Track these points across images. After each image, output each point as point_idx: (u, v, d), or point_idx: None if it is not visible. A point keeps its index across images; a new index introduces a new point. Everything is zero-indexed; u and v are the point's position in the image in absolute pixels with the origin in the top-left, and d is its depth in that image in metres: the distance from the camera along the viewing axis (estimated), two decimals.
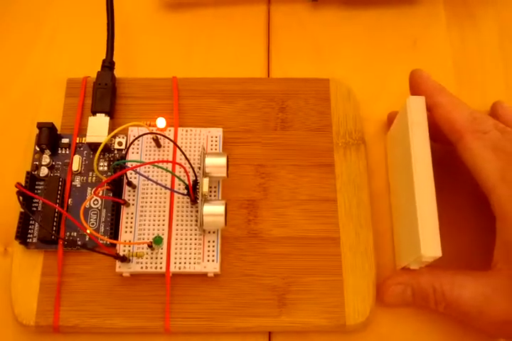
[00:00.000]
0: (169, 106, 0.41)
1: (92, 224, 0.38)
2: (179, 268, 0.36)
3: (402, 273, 0.36)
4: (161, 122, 0.37)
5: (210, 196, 0.38)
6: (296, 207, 0.39)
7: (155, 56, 0.45)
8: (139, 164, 0.36)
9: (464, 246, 0.38)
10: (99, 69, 0.41)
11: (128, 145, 0.39)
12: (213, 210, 0.36)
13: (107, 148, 0.40)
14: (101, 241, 0.36)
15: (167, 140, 0.39)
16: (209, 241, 0.37)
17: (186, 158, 0.36)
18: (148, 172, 0.39)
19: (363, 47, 0.46)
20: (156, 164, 0.36)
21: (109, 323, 0.36)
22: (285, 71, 0.45)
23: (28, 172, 0.38)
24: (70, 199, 0.38)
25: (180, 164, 0.36)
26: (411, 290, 0.36)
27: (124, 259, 0.36)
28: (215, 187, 0.38)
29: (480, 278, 0.34)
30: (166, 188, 0.38)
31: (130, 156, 0.39)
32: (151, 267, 0.36)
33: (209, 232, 0.37)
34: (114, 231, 0.37)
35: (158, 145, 0.39)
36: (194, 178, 0.37)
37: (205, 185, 0.36)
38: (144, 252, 0.36)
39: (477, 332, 0.36)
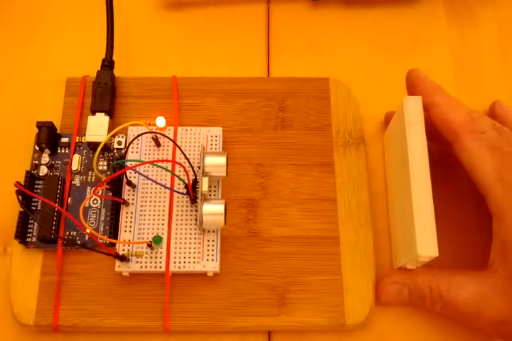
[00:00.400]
0: (169, 106, 0.41)
1: (92, 223, 0.38)
2: (179, 268, 0.36)
3: (399, 273, 0.36)
4: (160, 121, 0.38)
5: (210, 195, 0.38)
6: (295, 207, 0.39)
7: (155, 55, 0.45)
8: (138, 163, 0.36)
9: (460, 246, 0.38)
10: (99, 69, 0.41)
11: (127, 144, 0.39)
12: (213, 209, 0.36)
13: (107, 148, 0.40)
14: (100, 241, 0.36)
15: (167, 139, 0.39)
16: (208, 241, 0.37)
17: (186, 158, 0.36)
18: (148, 171, 0.39)
19: (363, 46, 0.46)
20: (155, 163, 0.36)
21: (109, 323, 0.36)
22: (285, 70, 0.45)
23: (27, 172, 0.38)
24: (69, 199, 0.38)
25: (179, 163, 0.36)
26: (407, 289, 0.36)
27: (124, 259, 0.36)
28: (214, 187, 0.38)
29: (477, 278, 0.34)
30: (165, 187, 0.38)
31: (130, 155, 0.39)
32: (150, 266, 0.36)
33: (208, 231, 0.37)
34: (113, 231, 0.37)
35: (158, 144, 0.39)
36: (194, 177, 0.37)
37: (204, 184, 0.36)
38: (144, 251, 0.36)
39: (475, 332, 0.36)
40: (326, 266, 0.37)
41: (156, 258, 0.36)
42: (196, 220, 0.37)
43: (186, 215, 0.37)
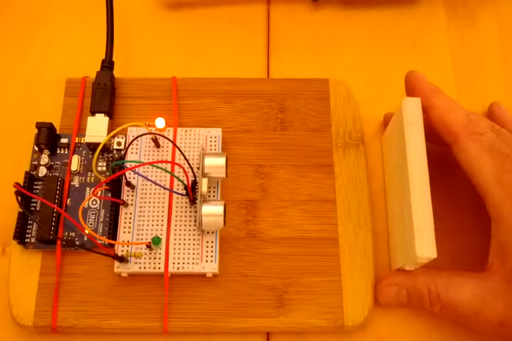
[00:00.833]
0: (168, 107, 0.41)
1: (91, 224, 0.38)
2: (178, 269, 0.36)
3: (397, 274, 0.36)
4: (160, 122, 0.37)
5: (209, 196, 0.38)
6: (295, 208, 0.39)
7: (154, 56, 0.45)
8: (138, 164, 0.36)
9: (459, 248, 0.38)
10: (99, 69, 0.41)
11: (127, 145, 0.39)
12: (212, 211, 0.36)
13: (106, 148, 0.40)
14: (99, 242, 0.36)
15: (166, 140, 0.39)
16: (207, 242, 0.37)
17: (185, 159, 0.36)
18: (147, 172, 0.39)
19: (363, 47, 0.45)
20: (155, 164, 0.36)
21: (108, 323, 0.36)
22: (284, 71, 0.45)
23: (26, 172, 0.38)
24: (68, 199, 0.38)
25: (179, 164, 0.36)
26: (406, 291, 0.36)
27: (123, 259, 0.36)
28: (214, 188, 0.38)
29: (475, 280, 0.34)
30: (164, 188, 0.38)
31: (129, 156, 0.39)
32: (149, 267, 0.36)
33: (208, 232, 0.37)
34: (112, 232, 0.37)
35: (158, 145, 0.39)
36: (193, 178, 0.37)
37: (204, 185, 0.36)
38: (143, 252, 0.36)
39: (473, 333, 0.36)
40: (325, 267, 0.37)
41: (155, 259, 0.36)
42: (195, 221, 0.37)
43: (185, 216, 0.37)
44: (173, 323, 0.36)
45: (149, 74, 0.43)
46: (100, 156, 0.39)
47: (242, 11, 0.47)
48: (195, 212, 0.37)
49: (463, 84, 0.44)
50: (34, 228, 0.37)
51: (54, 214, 0.37)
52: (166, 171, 0.36)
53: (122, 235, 0.37)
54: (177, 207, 0.38)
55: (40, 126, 0.39)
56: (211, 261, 0.36)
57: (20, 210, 0.37)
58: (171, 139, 0.39)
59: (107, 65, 0.42)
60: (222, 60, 0.45)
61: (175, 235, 0.37)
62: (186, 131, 0.40)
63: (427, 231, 0.33)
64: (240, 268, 0.37)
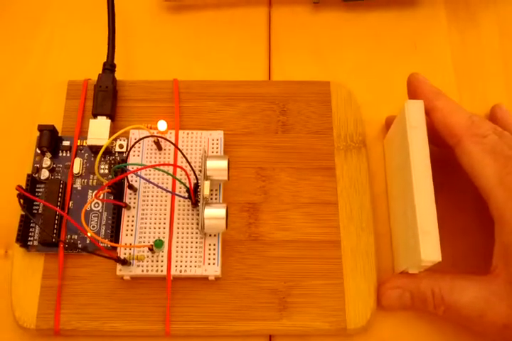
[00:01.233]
0: (170, 109, 0.41)
1: (93, 226, 0.38)
2: (180, 272, 0.36)
3: (401, 277, 0.37)
4: (162, 125, 0.37)
5: (211, 199, 0.38)
6: (297, 210, 0.39)
7: (156, 58, 0.45)
8: (140, 167, 0.36)
9: (463, 251, 0.38)
10: (100, 72, 0.41)
11: (129, 148, 0.39)
12: (214, 213, 0.36)
13: (108, 151, 0.40)
14: (102, 244, 0.36)
15: (168, 143, 0.39)
16: (210, 245, 0.37)
17: (187, 161, 0.36)
18: (149, 175, 0.39)
19: (364, 50, 0.46)
20: (157, 167, 0.36)
21: (110, 326, 0.36)
22: (286, 74, 0.45)
23: (28, 175, 0.38)
24: (70, 202, 0.38)
25: (181, 167, 0.36)
26: (409, 293, 0.36)
27: (125, 262, 0.36)
28: (216, 190, 0.38)
29: (479, 283, 0.34)
30: (167, 191, 0.38)
31: (131, 159, 0.39)
32: (151, 270, 0.36)
33: (210, 235, 0.37)
34: (114, 234, 0.37)
35: (159, 148, 0.39)
36: (195, 181, 0.37)
37: (206, 188, 0.36)
38: (145, 255, 0.36)
39: (477, 335, 0.36)
40: (328, 270, 0.37)
41: (157, 262, 0.36)
42: (197, 224, 0.37)
43: (188, 219, 0.37)
44: (175, 326, 0.36)
45: (151, 77, 0.43)
46: (102, 159, 0.39)
47: (243, 13, 0.47)
48: (198, 214, 0.37)
49: (464, 86, 0.44)
50: (36, 231, 0.37)
51: (56, 217, 0.37)
52: (168, 174, 0.36)
53: (125, 238, 0.37)
54: (179, 209, 0.38)
55: (42, 128, 0.39)
56: (213, 264, 0.36)
57: (23, 213, 0.37)
58: (173, 142, 0.39)
59: (109, 67, 0.42)
60: (223, 63, 0.45)
61: (177, 238, 0.37)
62: (188, 134, 0.40)
63: (432, 234, 0.33)
64: (242, 271, 0.37)
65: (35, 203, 0.38)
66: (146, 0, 0.47)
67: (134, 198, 0.38)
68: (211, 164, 0.37)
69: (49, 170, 0.39)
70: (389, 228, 0.40)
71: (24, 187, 0.37)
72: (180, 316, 0.36)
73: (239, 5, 0.47)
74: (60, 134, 0.40)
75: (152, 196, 0.38)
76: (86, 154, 0.40)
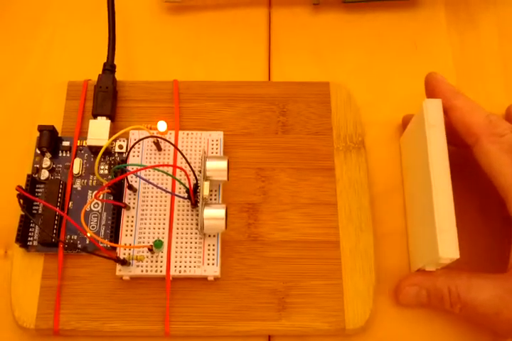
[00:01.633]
0: (170, 110, 0.41)
1: (93, 227, 0.38)
2: (179, 272, 0.36)
3: (417, 275, 0.37)
4: (161, 126, 0.37)
5: (211, 199, 0.38)
6: (296, 211, 0.39)
7: (156, 59, 0.45)
8: (140, 168, 0.36)
9: (479, 249, 0.38)
10: (100, 72, 0.41)
11: (129, 148, 0.39)
12: (214, 214, 0.36)
13: (108, 151, 0.40)
14: (101, 245, 0.36)
15: (168, 143, 0.39)
16: (209, 245, 0.37)
17: (187, 162, 0.36)
18: (149, 175, 0.39)
19: (364, 50, 0.46)
20: (156, 167, 0.36)
21: (110, 326, 0.36)
22: (286, 74, 0.45)
23: (28, 175, 0.38)
24: (70, 203, 0.38)
25: (180, 168, 0.36)
26: (426, 291, 0.36)
27: (125, 262, 0.36)
28: (215, 191, 0.39)
29: (495, 281, 0.34)
30: (166, 192, 0.38)
31: (131, 159, 0.39)
32: (151, 270, 0.36)
33: (209, 236, 0.37)
34: (114, 235, 0.37)
35: (159, 148, 0.39)
36: (195, 182, 0.37)
37: (205, 188, 0.36)
38: (145, 256, 0.36)
39: (493, 333, 0.37)
40: (327, 270, 0.37)
41: (156, 262, 0.36)
42: (197, 224, 0.37)
43: (187, 219, 0.38)
44: (174, 326, 0.36)
45: (151, 78, 0.43)
46: (102, 159, 0.40)
47: (243, 14, 0.47)
48: (197, 215, 0.37)
49: (464, 86, 0.44)
50: (36, 231, 0.37)
51: (56, 217, 0.37)
52: (168, 174, 0.36)
53: (124, 238, 0.37)
54: (179, 210, 0.38)
55: (42, 129, 0.39)
56: (213, 264, 0.37)
57: (23, 213, 0.37)
58: (173, 142, 0.39)
59: (109, 68, 0.42)
60: (223, 63, 0.45)
61: (176, 238, 0.37)
62: (188, 134, 0.40)
63: (450, 232, 0.33)
64: (241, 272, 0.37)
65: (35, 203, 0.38)
66: (146, 0, 0.47)
67: (134, 198, 0.38)
68: (211, 165, 0.37)
69: (49, 171, 0.39)
70: (390, 228, 0.40)
71: (24, 187, 0.37)
72: (179, 316, 0.36)
73: (239, 6, 0.47)
74: (59, 134, 0.40)
75: (152, 196, 0.38)
76: (86, 154, 0.40)
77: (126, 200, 0.38)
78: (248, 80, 0.43)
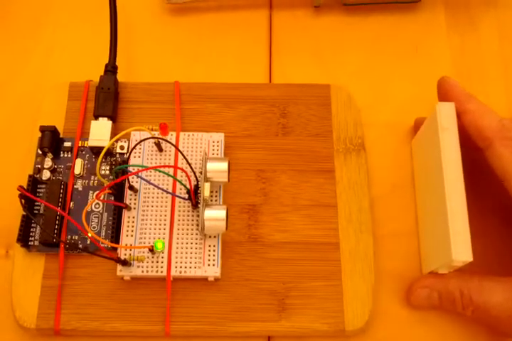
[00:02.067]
0: (171, 111, 0.41)
1: (94, 227, 0.38)
2: (180, 272, 0.36)
3: (429, 277, 0.37)
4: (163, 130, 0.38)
5: (211, 200, 0.38)
6: (296, 212, 0.39)
7: (157, 61, 0.45)
8: (141, 169, 0.36)
9: (491, 252, 0.38)
10: (102, 73, 0.42)
11: (130, 149, 0.39)
12: (214, 215, 0.36)
13: (109, 152, 0.40)
14: (102, 245, 0.36)
15: (169, 144, 0.39)
16: (210, 246, 0.37)
17: (188, 163, 0.36)
18: (150, 176, 0.39)
19: (365, 53, 0.46)
20: (157, 168, 0.36)
21: (110, 327, 0.36)
22: (286, 76, 0.45)
23: (30, 176, 0.38)
24: (71, 203, 0.38)
25: (181, 168, 0.36)
26: (437, 293, 0.36)
27: (125, 263, 0.36)
28: (216, 192, 0.39)
29: (508, 284, 0.35)
30: (167, 193, 0.38)
31: (132, 160, 0.39)
32: (151, 271, 0.36)
33: (210, 237, 0.37)
34: (115, 235, 0.37)
35: (160, 149, 0.39)
36: (195, 183, 0.37)
37: (206, 189, 0.36)
38: (145, 256, 0.36)
39: (505, 336, 0.37)
40: (326, 271, 0.38)
41: (157, 262, 0.37)
42: (198, 225, 0.37)
43: (188, 220, 0.38)
44: (175, 327, 0.36)
45: (152, 79, 0.43)
46: (103, 160, 0.40)
47: (244, 16, 0.47)
48: (198, 216, 0.38)
49: (464, 89, 0.44)
50: (37, 231, 0.38)
51: (57, 218, 0.37)
52: (169, 175, 0.37)
53: (125, 239, 0.37)
54: (179, 211, 0.38)
55: (43, 129, 0.39)
56: (213, 265, 0.37)
57: (24, 213, 0.37)
58: (174, 143, 0.39)
59: (111, 69, 0.42)
60: (224, 65, 0.45)
61: (177, 239, 0.37)
62: (189, 136, 0.40)
63: (463, 234, 0.33)
64: (241, 273, 0.38)
65: (36, 203, 0.38)
66: (148, 2, 0.47)
67: (135, 199, 0.38)
68: (211, 166, 0.37)
69: (50, 171, 0.39)
70: (390, 230, 0.40)
71: (25, 187, 0.37)
72: (180, 317, 0.36)
73: (240, 8, 0.47)
74: (61, 135, 0.40)
75: (153, 197, 0.38)
76: (87, 155, 0.40)
77: (127, 201, 0.38)
78: (249, 82, 0.43)
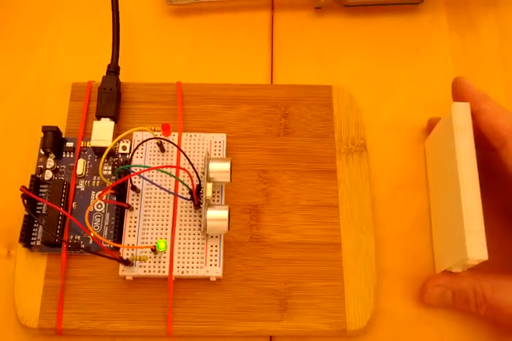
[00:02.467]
0: (173, 111, 0.41)
1: (96, 227, 0.38)
2: (182, 272, 0.37)
3: (443, 276, 0.37)
4: (165, 129, 0.38)
5: (214, 201, 0.38)
6: (298, 213, 0.39)
7: (160, 61, 0.45)
8: (144, 169, 0.36)
9: (504, 251, 0.38)
10: (104, 74, 0.42)
11: (132, 150, 0.39)
12: (217, 215, 0.36)
13: (112, 153, 0.40)
14: (104, 245, 0.36)
15: (171, 145, 0.39)
16: (212, 246, 0.37)
17: (190, 163, 0.36)
18: (152, 176, 0.39)
19: (366, 54, 0.46)
20: (160, 169, 0.37)
21: (112, 326, 0.36)
22: (288, 77, 0.45)
23: (32, 176, 0.38)
24: (74, 203, 0.39)
25: (184, 169, 0.36)
26: (451, 292, 0.36)
27: (128, 263, 0.36)
28: (218, 192, 0.39)
29: None
30: (169, 193, 0.38)
31: (134, 161, 0.39)
32: (154, 271, 0.37)
33: (212, 237, 0.37)
34: (117, 235, 0.38)
35: (162, 149, 0.39)
36: (198, 183, 0.37)
37: (208, 189, 0.36)
38: (147, 256, 0.37)
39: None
40: (328, 272, 0.38)
41: (159, 262, 0.37)
42: (200, 225, 0.37)
43: (190, 220, 0.38)
44: (177, 326, 0.36)
45: (154, 80, 0.43)
46: (105, 160, 0.40)
47: (246, 17, 0.47)
48: (200, 216, 0.38)
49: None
50: (40, 231, 0.38)
51: (60, 218, 0.37)
52: (172, 175, 0.37)
53: (127, 239, 0.37)
54: (181, 211, 0.38)
55: (46, 129, 0.39)
56: (215, 265, 0.37)
57: (26, 213, 0.37)
58: (176, 144, 0.39)
59: (113, 69, 0.42)
60: (226, 66, 0.45)
61: (179, 239, 0.37)
62: (191, 136, 0.40)
63: (478, 233, 0.33)
64: (243, 273, 0.38)
65: (39, 204, 0.38)
66: (150, 3, 0.47)
67: (137, 199, 0.38)
68: (214, 166, 0.37)
69: (52, 171, 0.39)
70: (391, 230, 0.40)
71: (28, 187, 0.37)
72: (182, 316, 0.36)
73: (242, 9, 0.47)
74: (63, 135, 0.40)
75: (155, 197, 0.38)
76: (89, 155, 0.40)
77: (129, 201, 0.38)
78: (251, 83, 0.44)
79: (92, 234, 0.35)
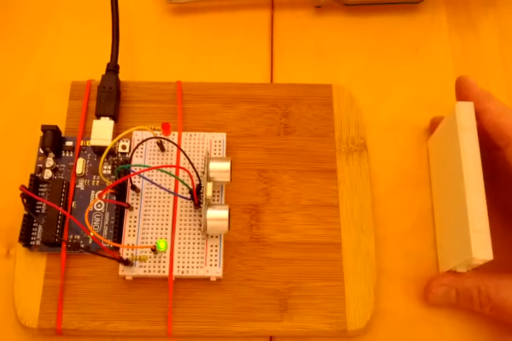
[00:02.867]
0: (173, 110, 0.41)
1: (96, 227, 0.38)
2: (182, 272, 0.37)
3: (447, 275, 0.37)
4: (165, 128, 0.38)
5: (214, 200, 0.38)
6: (298, 212, 0.39)
7: (159, 60, 0.45)
8: (144, 169, 0.36)
9: (509, 251, 0.38)
10: (104, 73, 0.42)
11: (132, 149, 0.39)
12: (217, 215, 0.36)
13: (111, 152, 0.40)
14: (104, 245, 0.36)
15: (171, 144, 0.39)
16: (212, 246, 0.37)
17: (190, 163, 0.36)
18: (152, 176, 0.39)
19: (366, 53, 0.46)
20: (160, 168, 0.36)
21: (112, 326, 0.36)
22: (288, 76, 0.45)
23: (31, 175, 0.38)
24: (73, 202, 0.38)
25: (184, 168, 0.36)
26: (455, 291, 0.36)
27: (127, 263, 0.36)
28: (218, 192, 0.39)
29: None
30: (169, 192, 0.38)
31: (134, 160, 0.39)
32: (154, 271, 0.36)
33: (212, 236, 0.37)
34: (117, 235, 0.37)
35: (162, 149, 0.39)
36: (198, 182, 0.37)
37: (208, 189, 0.36)
38: (147, 256, 0.36)
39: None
40: (328, 271, 0.38)
41: (159, 262, 0.37)
42: (200, 225, 0.37)
43: (190, 220, 0.38)
44: (177, 326, 0.36)
45: (154, 79, 0.43)
46: (105, 159, 0.40)
47: (246, 16, 0.47)
48: (200, 216, 0.38)
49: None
50: (39, 230, 0.38)
51: (59, 217, 0.37)
52: (172, 175, 0.37)
53: (127, 238, 0.37)
54: (181, 210, 0.38)
55: (45, 128, 0.39)
56: (215, 265, 0.37)
57: (26, 213, 0.37)
58: (176, 143, 0.39)
59: (112, 68, 0.42)
60: (226, 65, 0.45)
61: (179, 239, 0.37)
62: (191, 136, 0.40)
63: (483, 233, 0.33)
64: (243, 273, 0.38)
65: (38, 203, 0.38)
66: (149, 2, 0.47)
67: (137, 199, 0.38)
68: (214, 166, 0.37)
69: (52, 170, 0.39)
70: (391, 230, 0.40)
71: (27, 186, 0.37)
72: (182, 316, 0.36)
73: (242, 8, 0.47)
74: (63, 134, 0.40)
75: (155, 197, 0.38)
76: (89, 154, 0.40)
77: (129, 200, 0.38)
78: (251, 82, 0.43)
79: (91, 234, 0.35)
